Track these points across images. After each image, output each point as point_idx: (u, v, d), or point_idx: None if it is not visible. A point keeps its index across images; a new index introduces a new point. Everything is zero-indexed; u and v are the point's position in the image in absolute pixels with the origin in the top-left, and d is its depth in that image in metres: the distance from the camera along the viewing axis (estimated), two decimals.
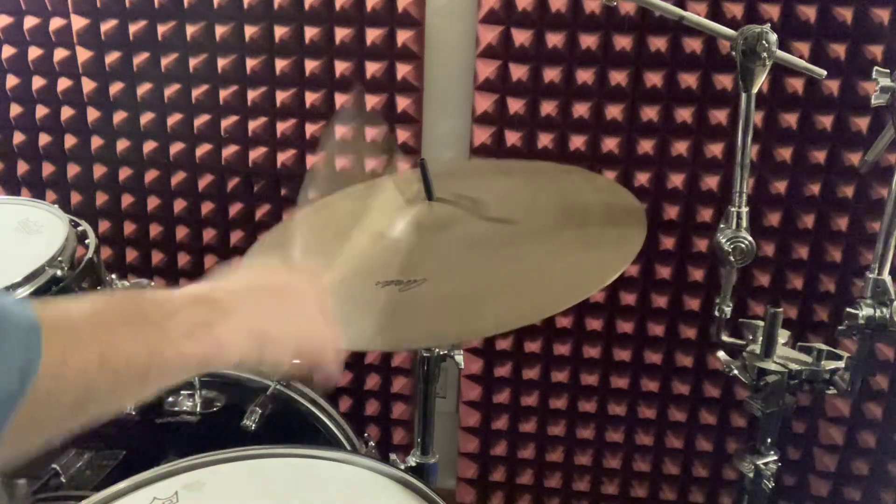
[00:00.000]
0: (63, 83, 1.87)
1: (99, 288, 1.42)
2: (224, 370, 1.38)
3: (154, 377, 0.58)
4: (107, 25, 1.79)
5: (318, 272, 0.80)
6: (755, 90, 0.98)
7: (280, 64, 1.74)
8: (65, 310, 0.56)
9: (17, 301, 0.53)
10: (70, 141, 1.92)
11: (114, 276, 1.48)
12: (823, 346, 1.08)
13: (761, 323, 1.09)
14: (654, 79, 1.63)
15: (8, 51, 1.86)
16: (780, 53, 0.98)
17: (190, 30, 1.76)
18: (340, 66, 1.72)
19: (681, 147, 1.67)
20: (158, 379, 0.59)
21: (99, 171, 1.93)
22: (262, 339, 0.66)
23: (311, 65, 1.73)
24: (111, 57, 1.81)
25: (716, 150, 1.66)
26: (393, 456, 1.32)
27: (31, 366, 0.50)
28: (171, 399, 1.38)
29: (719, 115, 1.64)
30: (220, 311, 0.63)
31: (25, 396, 0.49)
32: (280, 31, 1.71)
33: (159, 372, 0.58)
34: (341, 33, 1.70)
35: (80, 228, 1.46)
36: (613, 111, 1.66)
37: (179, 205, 1.91)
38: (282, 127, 1.79)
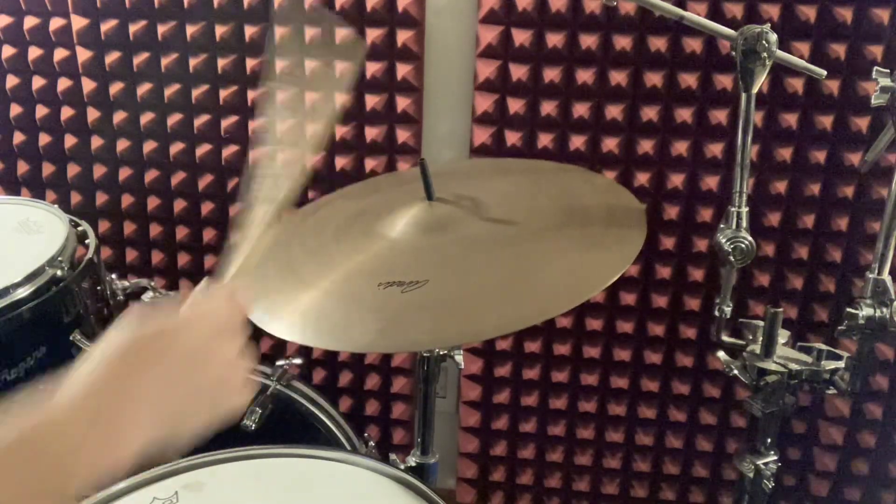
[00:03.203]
0: (63, 83, 1.87)
1: (99, 288, 1.42)
2: None
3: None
4: (107, 25, 1.79)
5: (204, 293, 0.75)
6: (755, 90, 0.98)
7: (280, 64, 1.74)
8: None
9: None
10: (70, 141, 1.92)
11: (114, 275, 1.48)
12: (823, 346, 1.08)
13: (761, 323, 1.10)
14: (654, 79, 1.63)
15: (8, 51, 1.86)
16: (780, 53, 0.98)
17: (190, 30, 1.76)
18: (340, 67, 1.72)
19: (681, 147, 1.67)
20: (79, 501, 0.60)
21: (99, 171, 1.93)
22: (170, 419, 0.65)
23: (311, 65, 1.73)
24: (111, 57, 1.81)
25: (716, 150, 1.66)
26: (393, 456, 1.32)
27: None
28: None
29: (719, 115, 1.64)
30: (117, 416, 0.60)
31: None
32: (280, 32, 1.71)
33: (76, 498, 0.59)
34: (341, 33, 1.70)
35: (80, 228, 1.46)
36: (613, 111, 1.66)
37: (179, 205, 1.91)
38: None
